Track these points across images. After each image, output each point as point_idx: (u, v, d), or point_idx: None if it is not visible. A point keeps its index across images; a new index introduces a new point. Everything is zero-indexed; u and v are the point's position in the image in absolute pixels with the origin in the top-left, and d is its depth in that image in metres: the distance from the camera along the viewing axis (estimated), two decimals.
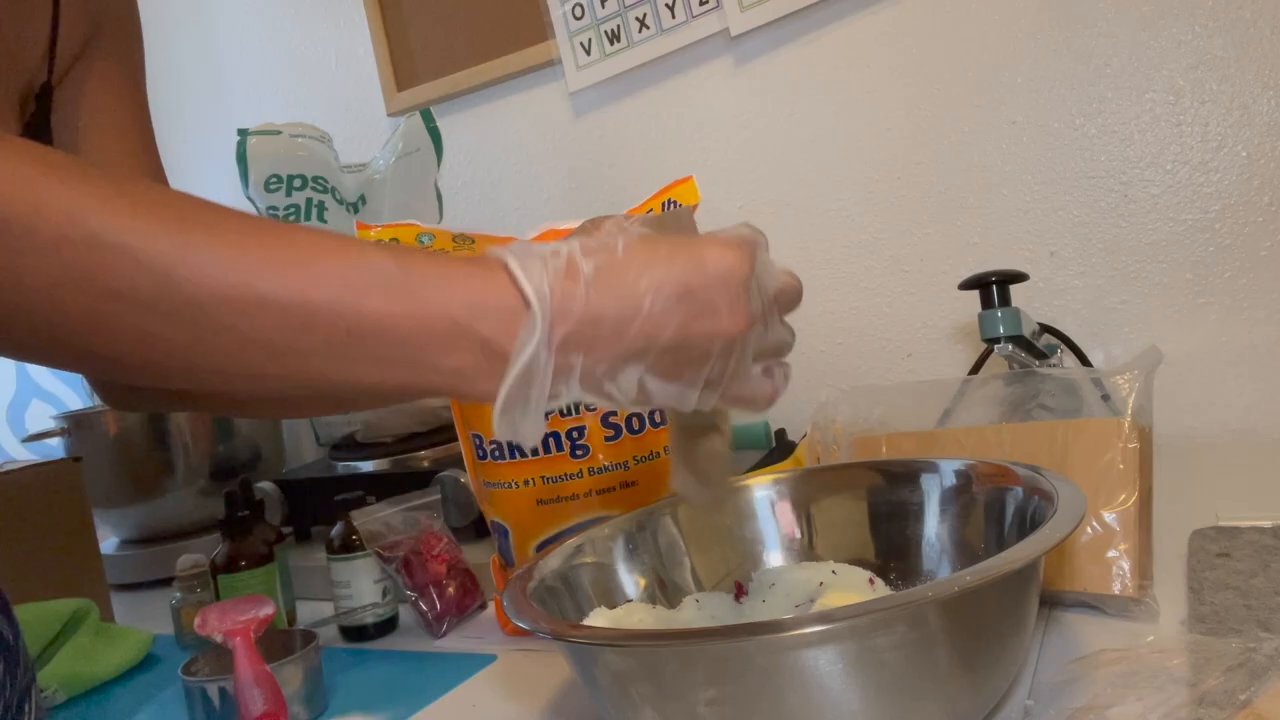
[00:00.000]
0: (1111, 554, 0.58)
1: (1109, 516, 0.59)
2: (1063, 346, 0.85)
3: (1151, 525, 0.61)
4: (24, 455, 1.47)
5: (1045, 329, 0.83)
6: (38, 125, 0.53)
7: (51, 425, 1.24)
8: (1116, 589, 0.57)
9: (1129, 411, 0.61)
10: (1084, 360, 0.87)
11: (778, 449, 0.95)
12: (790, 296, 0.45)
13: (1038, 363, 0.79)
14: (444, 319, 0.37)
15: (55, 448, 1.22)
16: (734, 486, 0.62)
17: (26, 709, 0.51)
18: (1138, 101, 0.94)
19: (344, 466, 1.07)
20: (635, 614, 0.56)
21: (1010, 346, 0.75)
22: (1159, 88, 0.93)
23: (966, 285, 0.78)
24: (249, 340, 0.35)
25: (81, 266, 0.33)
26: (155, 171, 0.62)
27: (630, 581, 0.60)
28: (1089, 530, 0.59)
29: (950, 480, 0.60)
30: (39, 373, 1.80)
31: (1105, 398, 0.64)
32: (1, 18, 0.49)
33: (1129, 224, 0.95)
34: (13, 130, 0.50)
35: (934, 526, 0.60)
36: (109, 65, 0.59)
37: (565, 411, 0.71)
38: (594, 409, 0.71)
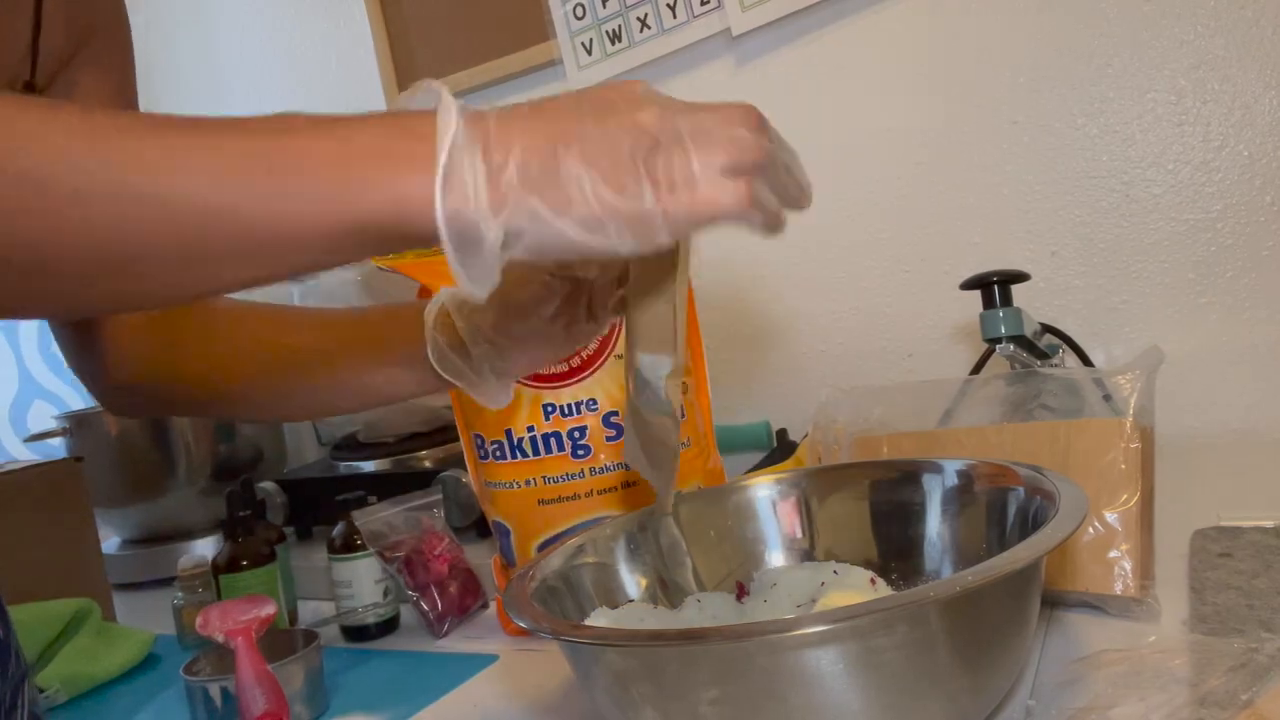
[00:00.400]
0: (1113, 554, 0.58)
1: (1111, 516, 0.58)
2: (1064, 346, 0.85)
3: (1153, 525, 0.61)
4: (26, 455, 1.47)
5: (1047, 329, 0.83)
6: None
7: (53, 425, 1.24)
8: (1118, 589, 0.57)
9: (1131, 411, 0.61)
10: (1085, 360, 0.87)
11: (779, 449, 0.95)
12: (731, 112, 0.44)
13: (1039, 363, 0.79)
14: (360, 139, 0.37)
15: (57, 448, 1.22)
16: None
17: (20, 705, 0.51)
18: (1139, 101, 0.94)
19: (345, 466, 1.07)
20: (637, 614, 0.56)
21: (1012, 346, 0.75)
22: (1161, 88, 0.93)
23: (968, 285, 0.78)
24: (171, 204, 0.35)
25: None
26: None
27: (632, 582, 0.60)
28: (1091, 530, 0.59)
29: (952, 480, 0.59)
30: (41, 373, 1.81)
31: (1107, 398, 0.64)
32: None
33: (1131, 224, 0.95)
34: None
35: (935, 526, 0.60)
36: (97, 78, 0.59)
37: (566, 411, 0.71)
38: (595, 409, 0.71)
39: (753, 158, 0.43)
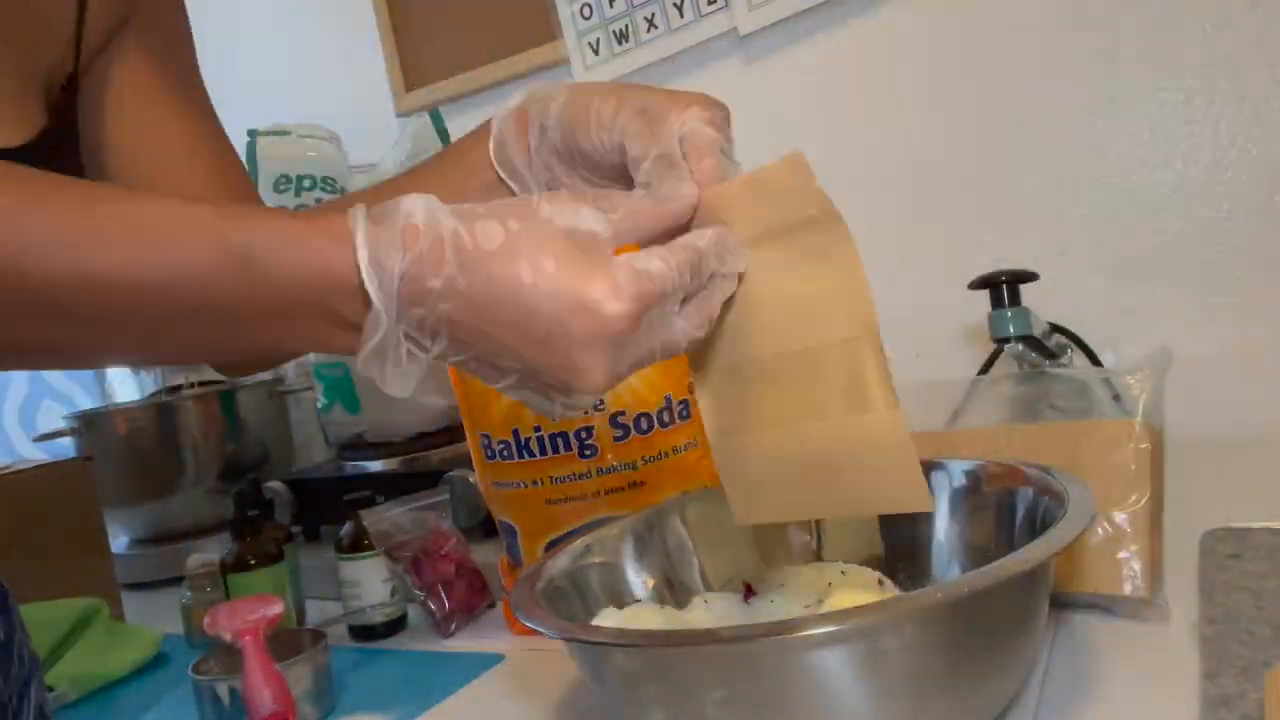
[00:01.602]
0: (1123, 555, 0.57)
1: (1120, 517, 0.58)
2: (1073, 346, 0.84)
3: (1163, 526, 0.61)
4: (35, 454, 1.48)
5: (1055, 329, 0.83)
6: (63, 112, 0.52)
7: (62, 425, 1.24)
8: (1128, 590, 0.56)
9: (1140, 412, 0.61)
10: (1094, 360, 0.86)
11: None
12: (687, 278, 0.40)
13: (1048, 363, 0.78)
14: (292, 299, 0.36)
15: (66, 447, 1.23)
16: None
17: (25, 706, 0.51)
18: (1148, 100, 0.94)
19: (353, 466, 1.08)
20: (644, 614, 0.56)
21: (1020, 346, 0.75)
22: (1169, 86, 0.93)
23: (976, 285, 0.78)
24: (100, 319, 0.35)
25: None
26: (212, 153, 0.62)
27: (639, 582, 0.60)
28: (1100, 531, 0.58)
29: (959, 481, 0.59)
30: (50, 373, 1.81)
31: (1116, 398, 0.64)
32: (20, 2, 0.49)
33: (1140, 223, 0.95)
34: (37, 115, 0.49)
35: (943, 528, 0.59)
36: (142, 55, 0.58)
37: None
38: (601, 408, 0.71)
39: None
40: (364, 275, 0.36)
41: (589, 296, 0.36)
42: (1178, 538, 0.63)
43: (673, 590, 0.60)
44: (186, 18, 0.63)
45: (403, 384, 0.38)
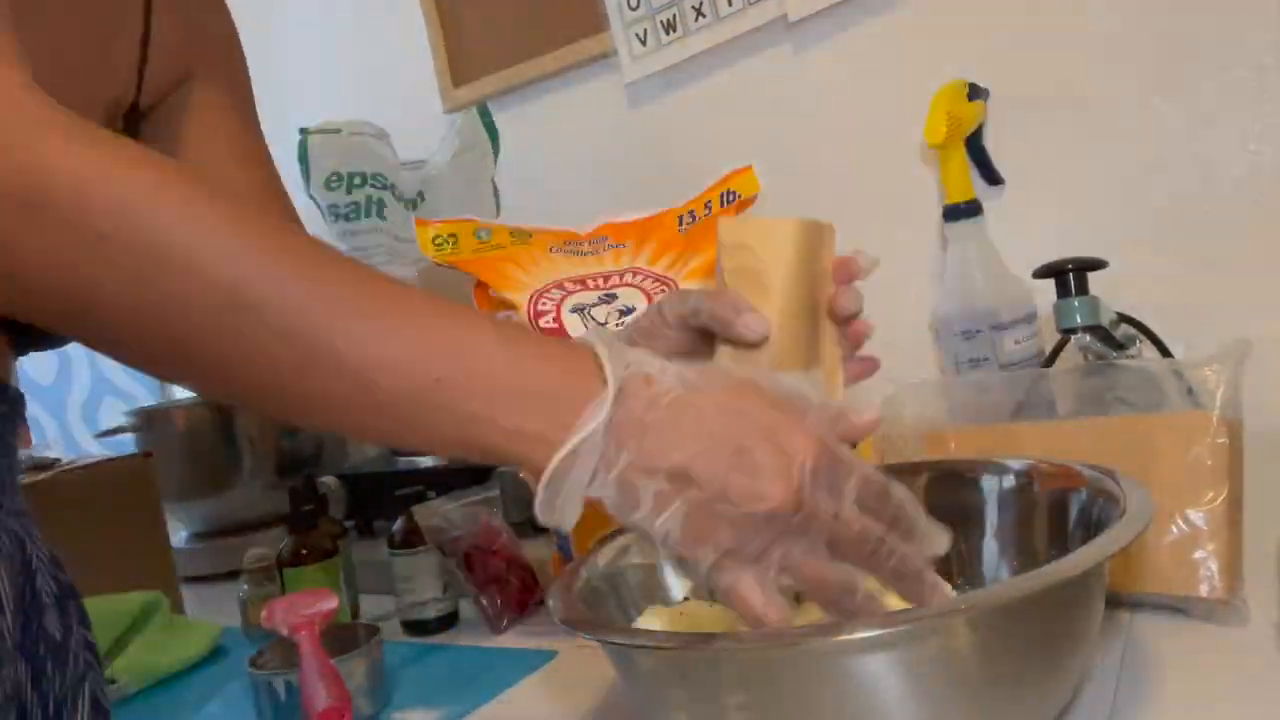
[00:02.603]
0: (1199, 554, 0.55)
1: (1196, 516, 0.56)
2: (1142, 337, 0.81)
3: (1242, 525, 0.58)
4: (97, 451, 1.51)
5: (1123, 319, 0.80)
6: None
7: (123, 421, 1.27)
8: (1204, 591, 0.54)
9: (1217, 405, 0.58)
10: (1164, 351, 0.83)
11: None
12: (872, 489, 0.42)
13: (1115, 354, 0.76)
14: (527, 381, 0.40)
15: (127, 443, 1.25)
16: None
17: (80, 703, 0.51)
18: (1218, 79, 0.90)
19: (405, 461, 1.08)
20: (690, 613, 0.55)
21: (1088, 337, 0.72)
22: (1242, 64, 0.89)
23: (1041, 273, 0.75)
24: (355, 388, 0.39)
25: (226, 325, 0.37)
26: (272, 201, 0.64)
27: (675, 583, 0.59)
28: (1174, 530, 0.56)
29: (1010, 481, 0.58)
30: (112, 371, 1.86)
31: (1189, 391, 0.61)
32: (86, 26, 0.50)
33: (1211, 208, 0.91)
34: None
35: (993, 529, 0.58)
36: (211, 99, 0.60)
37: None
38: None
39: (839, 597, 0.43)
40: (600, 356, 0.41)
41: (792, 423, 0.41)
42: (1258, 537, 0.60)
43: (712, 592, 0.60)
44: (247, 68, 0.66)
45: (576, 503, 0.41)
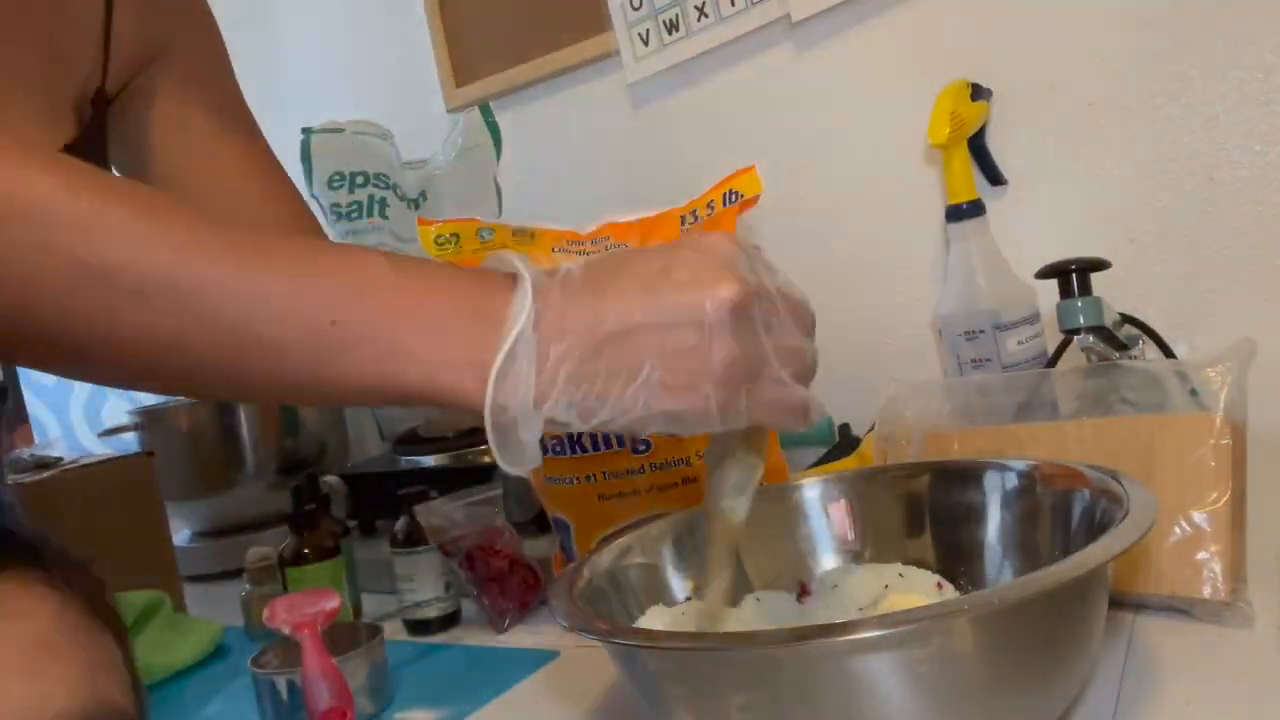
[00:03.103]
0: (1202, 556, 0.55)
1: (1199, 517, 0.56)
2: (1145, 338, 0.81)
3: (1246, 526, 0.58)
4: (100, 450, 1.51)
5: (1126, 319, 0.79)
6: (93, 132, 0.53)
7: (126, 420, 1.27)
8: (1207, 592, 0.54)
9: (1221, 406, 0.58)
10: (1168, 352, 0.83)
11: (841, 444, 0.93)
12: (798, 305, 0.42)
13: (1118, 354, 0.75)
14: (432, 306, 0.37)
15: (130, 442, 1.25)
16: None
17: None
18: (1223, 79, 0.90)
19: (407, 461, 1.08)
20: (694, 612, 0.55)
21: (1091, 338, 0.72)
22: (1247, 64, 0.89)
23: (1044, 274, 0.75)
24: (237, 330, 0.36)
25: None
26: (262, 171, 0.63)
27: (678, 583, 0.59)
28: (1177, 531, 0.56)
29: (1013, 482, 0.57)
30: None
31: (1193, 392, 0.61)
32: (45, 12, 0.50)
33: (1215, 208, 0.91)
34: (68, 133, 0.50)
35: (995, 530, 0.57)
36: (185, 80, 0.60)
37: None
38: None
39: (812, 370, 0.44)
40: (505, 255, 0.39)
41: (692, 238, 0.41)
42: (1262, 539, 0.60)
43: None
44: (223, 44, 0.64)
45: (531, 426, 0.38)
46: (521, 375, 0.37)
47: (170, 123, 0.59)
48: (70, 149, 0.49)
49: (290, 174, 0.74)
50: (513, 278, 0.38)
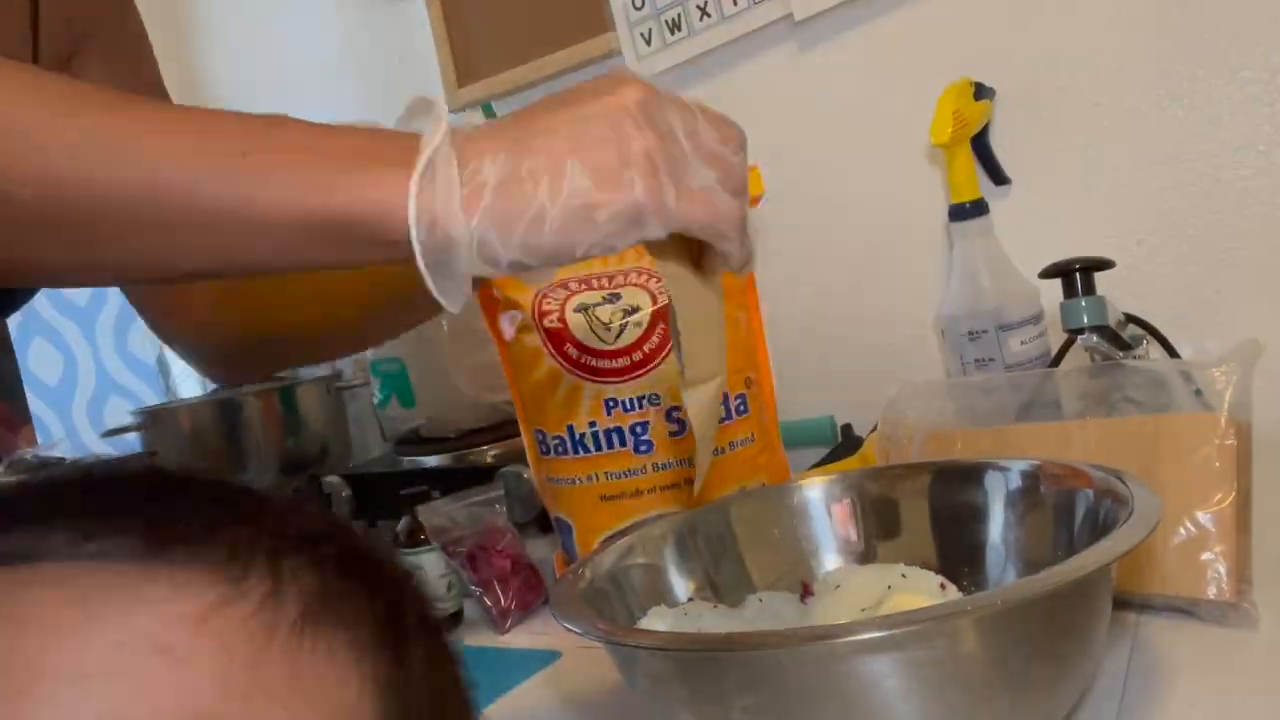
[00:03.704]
0: (1206, 556, 0.55)
1: (1204, 517, 0.55)
2: (1149, 338, 0.81)
3: (1251, 527, 0.58)
4: (102, 450, 1.51)
5: (1131, 319, 0.79)
6: None
7: (129, 420, 1.27)
8: (1212, 593, 0.54)
9: (1226, 406, 0.58)
10: (1172, 352, 0.83)
11: (843, 445, 0.93)
12: (720, 118, 0.42)
13: (1122, 354, 0.75)
14: (348, 142, 0.37)
15: (132, 442, 1.25)
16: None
17: None
18: (1230, 81, 0.89)
19: (409, 461, 1.08)
20: (696, 613, 0.55)
21: (1094, 338, 0.72)
22: (1254, 65, 0.88)
23: (1047, 273, 0.75)
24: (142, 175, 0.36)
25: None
26: None
27: (680, 583, 0.59)
28: (1181, 532, 0.56)
29: (1016, 482, 0.57)
30: (117, 369, 1.86)
31: (1197, 392, 0.61)
32: None
33: (1221, 209, 0.91)
34: None
35: (998, 530, 0.57)
36: (106, 73, 0.60)
37: (629, 407, 0.70)
38: (658, 403, 0.69)
39: (743, 185, 0.42)
40: (425, 100, 0.40)
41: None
42: (1267, 540, 0.60)
43: (717, 592, 0.59)
44: (145, 33, 0.65)
45: (457, 283, 0.38)
46: (446, 181, 0.36)
47: None
48: None
49: None
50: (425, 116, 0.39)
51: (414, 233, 0.36)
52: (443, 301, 0.38)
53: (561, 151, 0.37)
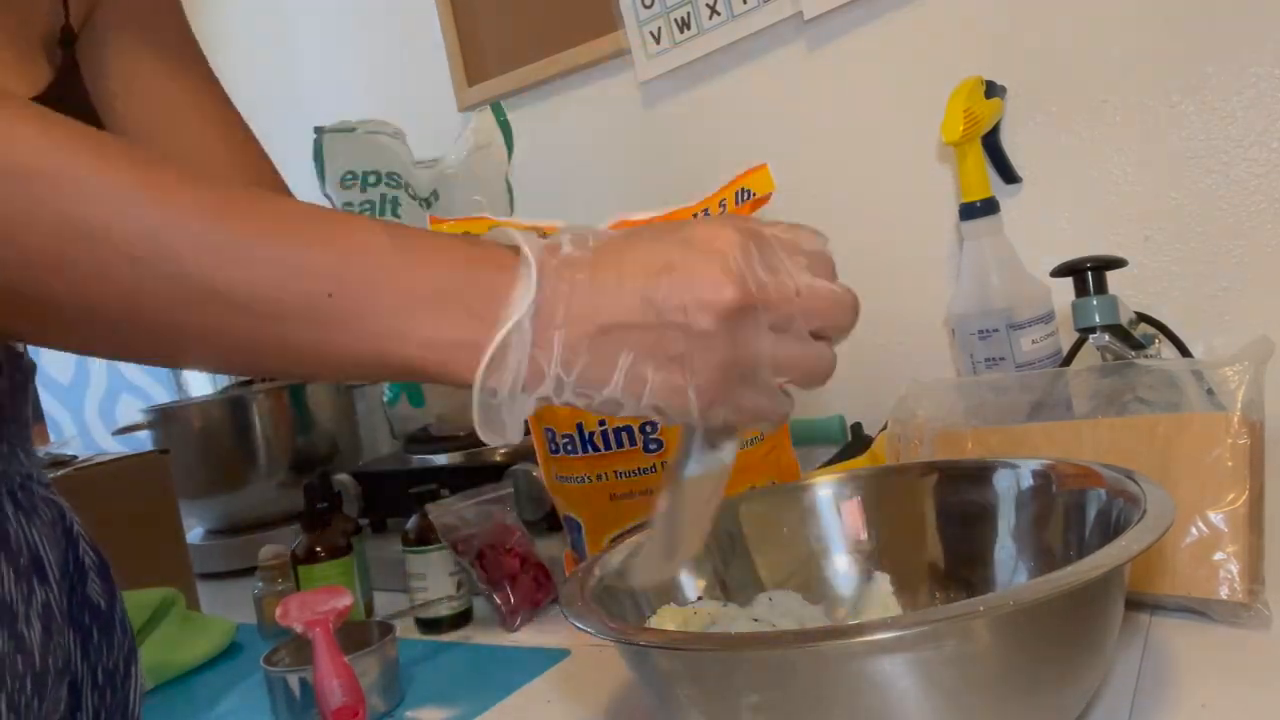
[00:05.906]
0: (1219, 556, 0.54)
1: (1216, 517, 0.55)
2: (1161, 337, 0.80)
3: (1264, 527, 0.58)
4: (114, 447, 1.52)
5: (1142, 318, 0.79)
6: (67, 73, 0.53)
7: (140, 419, 1.28)
8: (1224, 594, 0.53)
9: (1238, 405, 0.57)
10: (1184, 351, 0.82)
11: (853, 444, 0.93)
12: (823, 298, 0.41)
13: (1134, 353, 0.75)
14: (431, 280, 0.36)
15: (144, 440, 1.26)
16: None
17: (133, 674, 0.52)
18: (1240, 77, 0.89)
19: (419, 459, 1.08)
20: (705, 611, 0.55)
21: (1106, 336, 0.72)
22: (1264, 61, 0.88)
23: (1059, 272, 0.75)
24: (230, 302, 0.35)
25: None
26: (223, 121, 0.62)
27: (689, 582, 0.59)
28: (1194, 532, 0.55)
29: (1028, 481, 0.57)
30: (128, 368, 1.87)
31: (1209, 391, 0.61)
32: None
33: (1232, 206, 0.90)
34: (43, 77, 0.50)
35: (1008, 530, 0.57)
36: (132, 21, 0.58)
37: None
38: None
39: (820, 373, 0.43)
40: (510, 233, 0.38)
41: (701, 227, 0.38)
42: None
43: (726, 590, 0.59)
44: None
45: (518, 408, 0.38)
46: (513, 363, 0.36)
47: (124, 61, 0.58)
48: (48, 93, 0.49)
49: (303, 173, 0.75)
50: (515, 253, 0.38)
51: (475, 399, 0.37)
52: (484, 437, 0.39)
53: (631, 349, 0.37)
